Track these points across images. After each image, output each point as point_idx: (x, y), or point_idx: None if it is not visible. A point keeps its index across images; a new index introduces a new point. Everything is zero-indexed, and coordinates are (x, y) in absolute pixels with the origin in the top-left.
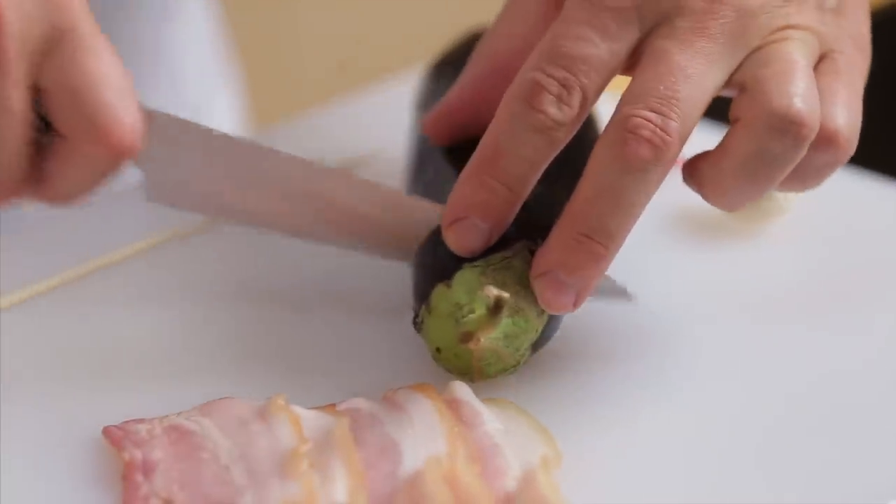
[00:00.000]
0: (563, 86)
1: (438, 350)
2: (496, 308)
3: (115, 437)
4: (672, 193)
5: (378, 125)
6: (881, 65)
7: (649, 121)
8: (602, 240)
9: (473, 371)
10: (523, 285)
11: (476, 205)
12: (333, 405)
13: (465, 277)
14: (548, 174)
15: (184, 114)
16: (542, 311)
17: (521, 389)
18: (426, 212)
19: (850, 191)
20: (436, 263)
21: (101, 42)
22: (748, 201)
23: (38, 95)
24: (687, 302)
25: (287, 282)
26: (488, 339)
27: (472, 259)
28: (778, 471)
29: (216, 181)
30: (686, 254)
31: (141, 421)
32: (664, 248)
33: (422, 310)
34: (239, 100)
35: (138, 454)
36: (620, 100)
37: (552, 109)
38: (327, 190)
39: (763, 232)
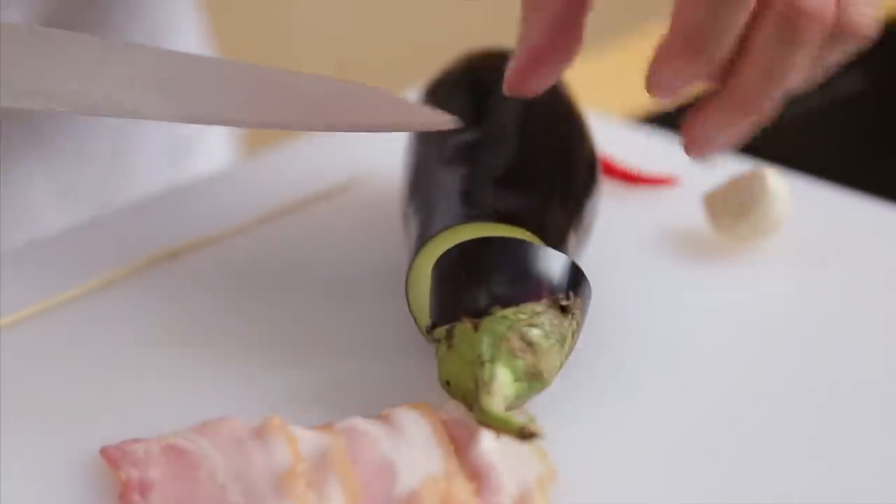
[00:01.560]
0: None
1: (448, 383)
2: (521, 435)
3: (113, 457)
4: (662, 213)
5: (371, 147)
6: (871, 84)
7: None
8: (762, 114)
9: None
10: (547, 345)
11: (683, 76)
12: (330, 425)
13: (492, 327)
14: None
15: (172, 139)
16: (558, 368)
17: None
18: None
19: (840, 210)
20: (466, 288)
21: None
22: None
23: None
24: (678, 320)
25: (283, 301)
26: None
27: (504, 301)
28: (771, 487)
29: (38, 73)
30: (677, 272)
31: (138, 441)
32: (655, 267)
33: (441, 333)
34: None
35: (135, 474)
36: None
37: None
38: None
39: (754, 250)
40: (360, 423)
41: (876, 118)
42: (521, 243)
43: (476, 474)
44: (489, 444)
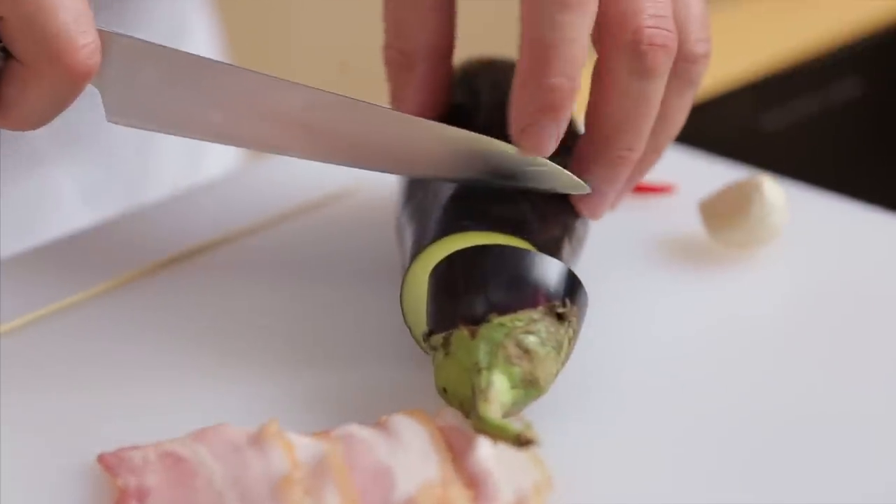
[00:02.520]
0: None
1: (444, 390)
2: (518, 442)
3: (110, 463)
4: (658, 220)
5: None
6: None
7: (660, 27)
8: (638, 147)
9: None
10: (544, 352)
11: (541, 108)
12: (327, 431)
13: (490, 335)
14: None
15: (186, 142)
16: (554, 375)
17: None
18: (413, 126)
19: (836, 218)
20: (463, 296)
21: None
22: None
23: None
24: (674, 327)
25: (279, 308)
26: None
27: (501, 308)
28: (768, 492)
29: (179, 100)
30: (673, 279)
31: (135, 448)
32: (651, 274)
33: (438, 340)
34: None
35: (133, 481)
36: (609, 26)
37: None
38: (296, 107)
39: (750, 258)
40: (357, 429)
41: (871, 125)
42: (517, 251)
43: (473, 481)
44: (486, 450)
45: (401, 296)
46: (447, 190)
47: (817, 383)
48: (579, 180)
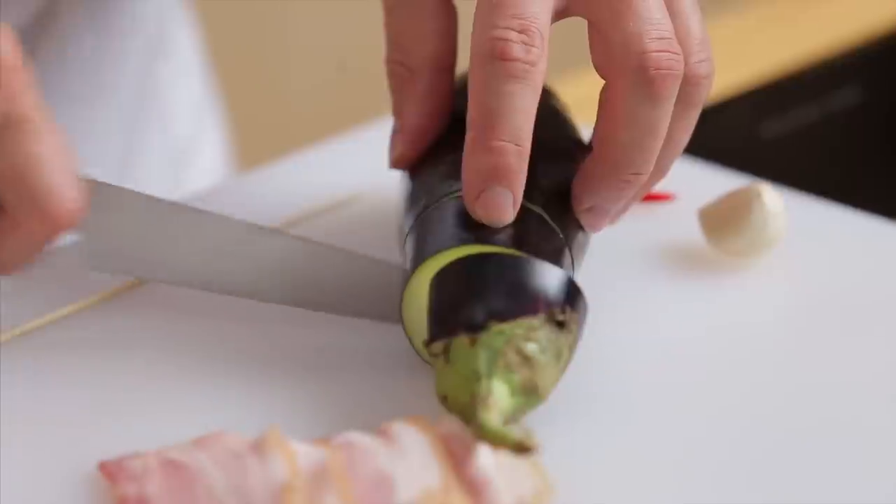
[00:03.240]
0: (522, 31)
1: (445, 397)
2: (518, 449)
3: (111, 471)
4: (658, 228)
5: (372, 163)
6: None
7: (666, 50)
8: (646, 171)
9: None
10: (544, 360)
11: (491, 171)
12: (328, 438)
13: (489, 342)
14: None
15: (172, 150)
16: (554, 382)
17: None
18: (378, 269)
19: (836, 226)
20: (463, 303)
21: (45, 123)
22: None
23: None
24: (674, 335)
25: (281, 315)
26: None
27: (501, 315)
28: (771, 498)
29: (155, 246)
30: (673, 287)
31: (136, 456)
32: (651, 282)
33: (439, 348)
34: (225, 137)
35: (133, 489)
36: (613, 52)
37: (522, 54)
38: (269, 251)
39: (750, 266)
40: (357, 437)
41: (870, 134)
42: (517, 259)
43: (473, 489)
44: (486, 458)
45: (401, 305)
46: (450, 201)
47: (817, 390)
48: None
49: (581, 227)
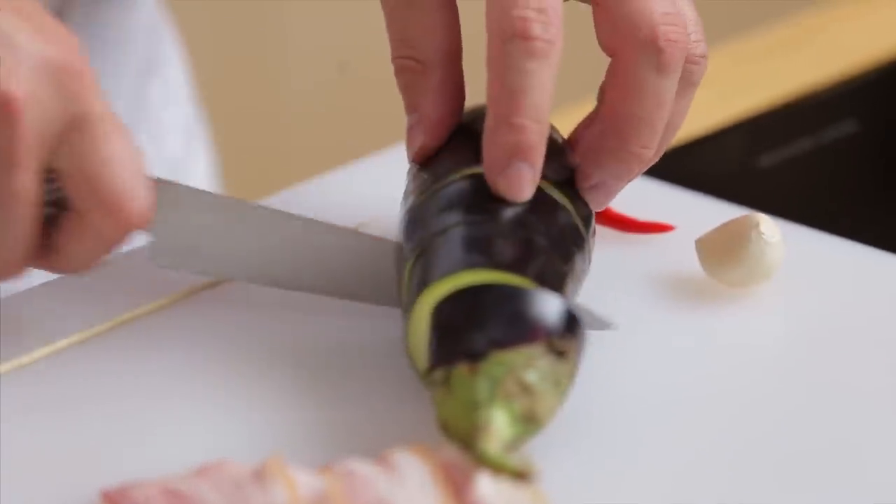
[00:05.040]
0: (540, 10)
1: (445, 425)
2: (519, 477)
3: (113, 499)
4: (656, 258)
5: (376, 193)
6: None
7: (672, 24)
8: (652, 145)
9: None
10: (544, 388)
11: (514, 148)
12: (329, 467)
13: (489, 371)
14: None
15: (162, 168)
16: (554, 411)
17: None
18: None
19: (833, 257)
20: (463, 332)
21: (114, 125)
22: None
23: (51, 174)
24: (673, 364)
25: (282, 343)
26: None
27: (501, 344)
28: None
29: (222, 244)
30: (671, 316)
31: (138, 485)
32: (649, 311)
33: (439, 376)
34: (214, 159)
35: None
36: (621, 27)
37: (541, 33)
38: (334, 247)
39: (747, 296)
40: (358, 465)
41: (867, 165)
42: (517, 289)
43: None
44: (487, 486)
45: (405, 333)
46: (451, 227)
47: (815, 417)
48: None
49: (580, 252)
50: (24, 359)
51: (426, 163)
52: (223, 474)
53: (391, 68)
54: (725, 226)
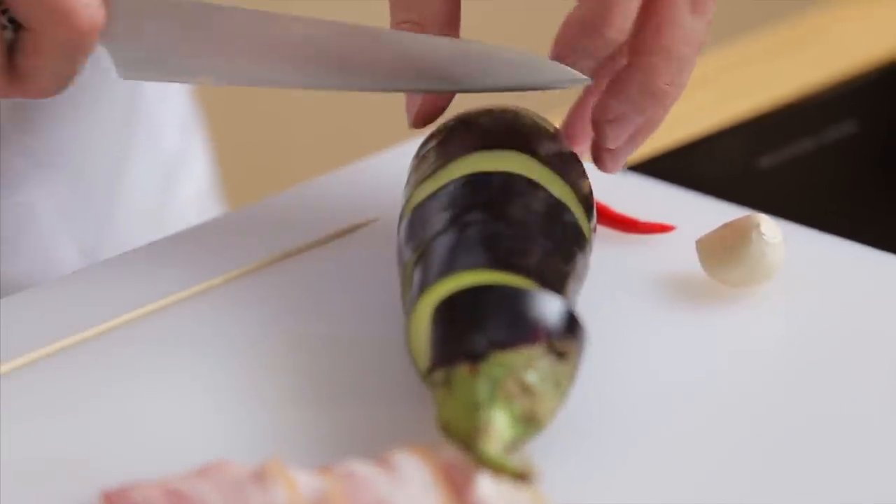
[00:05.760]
0: None
1: (446, 426)
2: (519, 478)
3: (113, 500)
4: (657, 258)
5: (374, 194)
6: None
7: None
8: (677, 83)
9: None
10: (544, 389)
11: (591, 51)
12: (329, 467)
13: (489, 372)
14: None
15: (161, 164)
16: (554, 412)
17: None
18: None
19: (833, 257)
20: (464, 333)
21: None
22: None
23: None
24: (672, 364)
25: (284, 344)
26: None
27: (501, 345)
28: None
29: (186, 47)
30: (671, 317)
31: (139, 486)
32: (650, 312)
33: (439, 377)
34: (211, 153)
35: None
36: None
37: None
38: (303, 36)
39: (748, 296)
40: (358, 466)
41: (868, 165)
42: (518, 290)
43: None
44: (487, 487)
45: (406, 333)
46: (451, 228)
47: (815, 419)
48: (577, 72)
49: (580, 252)
50: (25, 359)
51: (427, 154)
52: (223, 475)
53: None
54: (726, 226)
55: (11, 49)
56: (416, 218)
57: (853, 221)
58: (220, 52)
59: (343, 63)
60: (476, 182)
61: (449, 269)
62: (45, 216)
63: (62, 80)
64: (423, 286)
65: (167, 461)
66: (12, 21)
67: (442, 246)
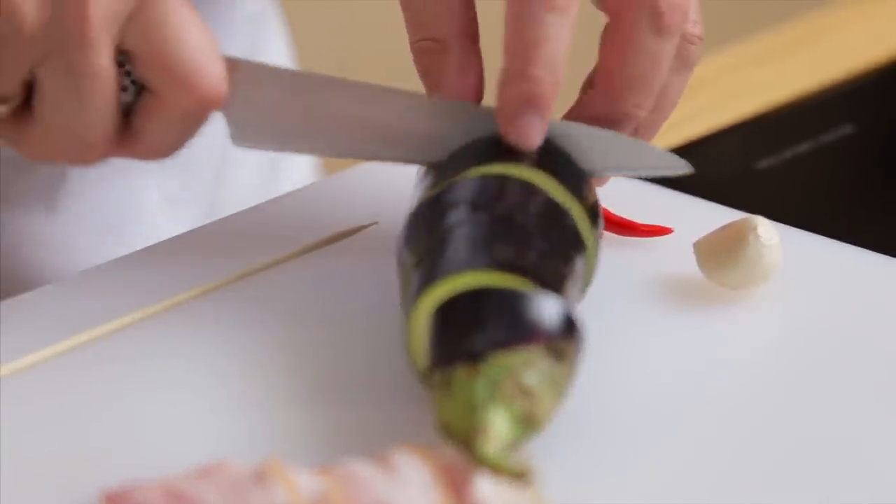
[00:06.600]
0: None
1: (445, 427)
2: (518, 479)
3: (114, 501)
4: (654, 261)
5: (377, 196)
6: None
7: None
8: (645, 106)
9: (474, 453)
10: (542, 390)
11: (527, 98)
12: (329, 467)
13: (488, 373)
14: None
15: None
16: (552, 412)
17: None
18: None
19: (831, 260)
20: (463, 334)
21: (181, 2)
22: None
23: (124, 57)
24: (670, 366)
25: (284, 344)
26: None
27: (500, 346)
28: None
29: (301, 119)
30: (669, 319)
31: (139, 486)
32: (648, 314)
33: (438, 378)
34: (288, 49)
35: None
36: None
37: None
38: (414, 113)
39: (745, 298)
40: (358, 467)
41: (865, 168)
42: (517, 292)
43: None
44: (486, 488)
45: (406, 334)
46: (451, 229)
47: (813, 421)
48: (678, 159)
49: (580, 255)
50: (26, 360)
51: (433, 164)
52: (223, 475)
53: (391, 68)
54: (724, 229)
55: (128, 111)
56: (415, 220)
57: (851, 224)
58: (329, 125)
59: (444, 143)
60: (475, 184)
61: (448, 270)
62: (152, 203)
63: (174, 145)
64: (423, 287)
65: (167, 461)
66: (134, 82)
67: (441, 247)
